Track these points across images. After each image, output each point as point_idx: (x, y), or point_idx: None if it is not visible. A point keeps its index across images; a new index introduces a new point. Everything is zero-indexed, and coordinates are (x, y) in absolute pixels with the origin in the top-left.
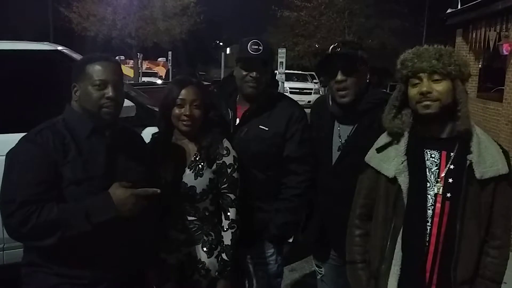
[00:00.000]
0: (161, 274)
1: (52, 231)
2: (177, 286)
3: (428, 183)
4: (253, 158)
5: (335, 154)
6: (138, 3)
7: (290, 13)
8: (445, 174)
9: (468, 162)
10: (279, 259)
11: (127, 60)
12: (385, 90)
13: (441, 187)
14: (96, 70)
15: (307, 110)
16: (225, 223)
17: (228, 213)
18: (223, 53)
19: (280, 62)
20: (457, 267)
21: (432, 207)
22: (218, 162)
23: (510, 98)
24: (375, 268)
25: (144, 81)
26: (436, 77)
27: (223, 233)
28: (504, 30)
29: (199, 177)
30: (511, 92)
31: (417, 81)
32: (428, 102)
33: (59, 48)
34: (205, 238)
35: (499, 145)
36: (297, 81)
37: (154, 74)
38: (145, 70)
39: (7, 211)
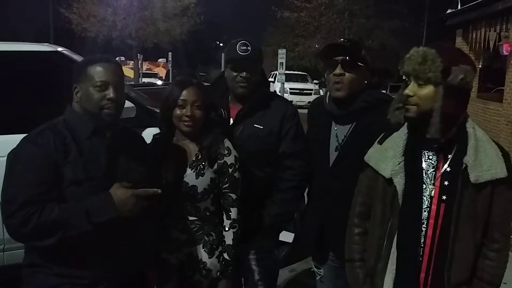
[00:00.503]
0: (161, 274)
1: (52, 231)
2: (177, 286)
3: (424, 185)
4: (250, 156)
5: (333, 155)
6: (138, 4)
7: (290, 13)
8: (441, 176)
9: (463, 165)
10: (276, 254)
11: (127, 61)
12: (385, 91)
13: (437, 189)
14: (97, 71)
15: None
16: (227, 223)
17: (230, 213)
18: (223, 54)
19: (280, 62)
20: (451, 269)
21: (428, 209)
22: (219, 162)
23: (510, 99)
24: (371, 266)
25: (144, 82)
26: (420, 81)
27: (224, 233)
28: (504, 30)
29: (200, 177)
30: (511, 92)
31: (408, 82)
32: (408, 106)
33: (59, 49)
34: (206, 238)
35: (500, 146)
36: (297, 81)
37: (154, 75)
38: (145, 71)
39: (8, 211)
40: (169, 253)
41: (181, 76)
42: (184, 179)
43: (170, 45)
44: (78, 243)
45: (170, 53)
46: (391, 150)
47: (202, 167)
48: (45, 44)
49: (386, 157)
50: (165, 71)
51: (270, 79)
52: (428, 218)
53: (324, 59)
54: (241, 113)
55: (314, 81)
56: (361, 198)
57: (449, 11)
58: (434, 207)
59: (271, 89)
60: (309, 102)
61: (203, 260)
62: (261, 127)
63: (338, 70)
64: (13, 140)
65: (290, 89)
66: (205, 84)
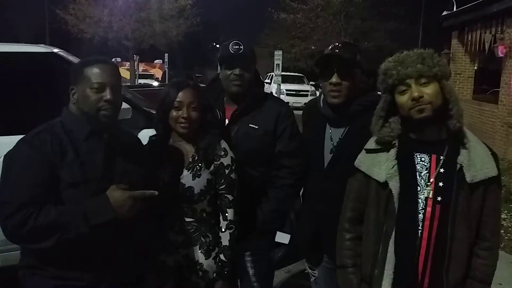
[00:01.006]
0: (159, 276)
1: (50, 233)
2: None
3: (418, 187)
4: (245, 155)
5: (327, 157)
6: (135, 5)
7: (287, 15)
8: (435, 177)
9: (458, 165)
10: (272, 255)
11: (124, 62)
12: (380, 93)
13: (432, 191)
14: (94, 73)
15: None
16: (223, 224)
17: (226, 214)
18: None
19: (276, 64)
20: (449, 270)
21: (423, 211)
22: (216, 163)
23: (506, 100)
24: (368, 272)
25: (140, 83)
26: (423, 80)
27: (221, 234)
28: (499, 32)
29: (197, 178)
30: (506, 94)
31: (404, 88)
32: (422, 106)
33: (55, 50)
34: (202, 239)
35: (488, 147)
36: (293, 83)
37: (151, 76)
38: (142, 72)
39: (5, 213)
40: (166, 254)
41: (178, 78)
42: (181, 181)
43: (167, 46)
44: (75, 245)
45: (166, 55)
46: (383, 154)
47: (198, 168)
48: (41, 45)
49: (378, 161)
50: (162, 73)
51: (266, 81)
52: (423, 220)
53: (320, 67)
54: (236, 113)
55: (311, 83)
56: (352, 203)
57: (444, 13)
58: (429, 209)
59: (268, 91)
60: (305, 103)
61: (200, 261)
62: (256, 127)
63: (334, 79)
64: (9, 141)
65: (287, 90)
66: (201, 85)
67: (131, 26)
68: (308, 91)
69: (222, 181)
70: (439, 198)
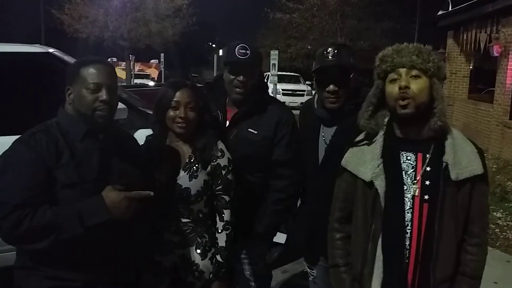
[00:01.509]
0: (155, 277)
1: (45, 234)
2: None
3: (405, 186)
4: (242, 160)
5: (321, 156)
6: (131, 5)
7: (283, 15)
8: (422, 176)
9: (444, 163)
10: (269, 255)
11: (119, 62)
12: None
13: (418, 189)
14: (90, 73)
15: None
16: (220, 225)
17: (223, 215)
18: (215, 55)
19: (272, 64)
20: (436, 267)
21: (411, 210)
22: (212, 164)
23: (501, 100)
24: (358, 271)
25: (136, 83)
26: (414, 73)
27: (217, 235)
28: (495, 32)
29: (193, 179)
30: (502, 93)
31: (395, 76)
32: (405, 102)
33: (50, 50)
34: (199, 240)
35: (474, 144)
36: (289, 83)
37: (147, 76)
38: (138, 72)
39: (0, 214)
40: (162, 255)
41: (175, 78)
42: (177, 181)
43: (163, 46)
44: (71, 246)
45: (162, 54)
46: (369, 153)
47: (195, 169)
48: (36, 45)
49: (364, 161)
50: (157, 72)
51: None
52: (411, 219)
53: (317, 75)
54: (236, 116)
55: (307, 82)
56: (340, 203)
57: (440, 12)
58: (416, 207)
59: None
60: (301, 103)
61: (196, 262)
62: (255, 132)
63: (332, 87)
64: (5, 142)
65: (283, 90)
66: (198, 85)
67: (126, 26)
68: (304, 90)
69: (219, 182)
70: (426, 197)
